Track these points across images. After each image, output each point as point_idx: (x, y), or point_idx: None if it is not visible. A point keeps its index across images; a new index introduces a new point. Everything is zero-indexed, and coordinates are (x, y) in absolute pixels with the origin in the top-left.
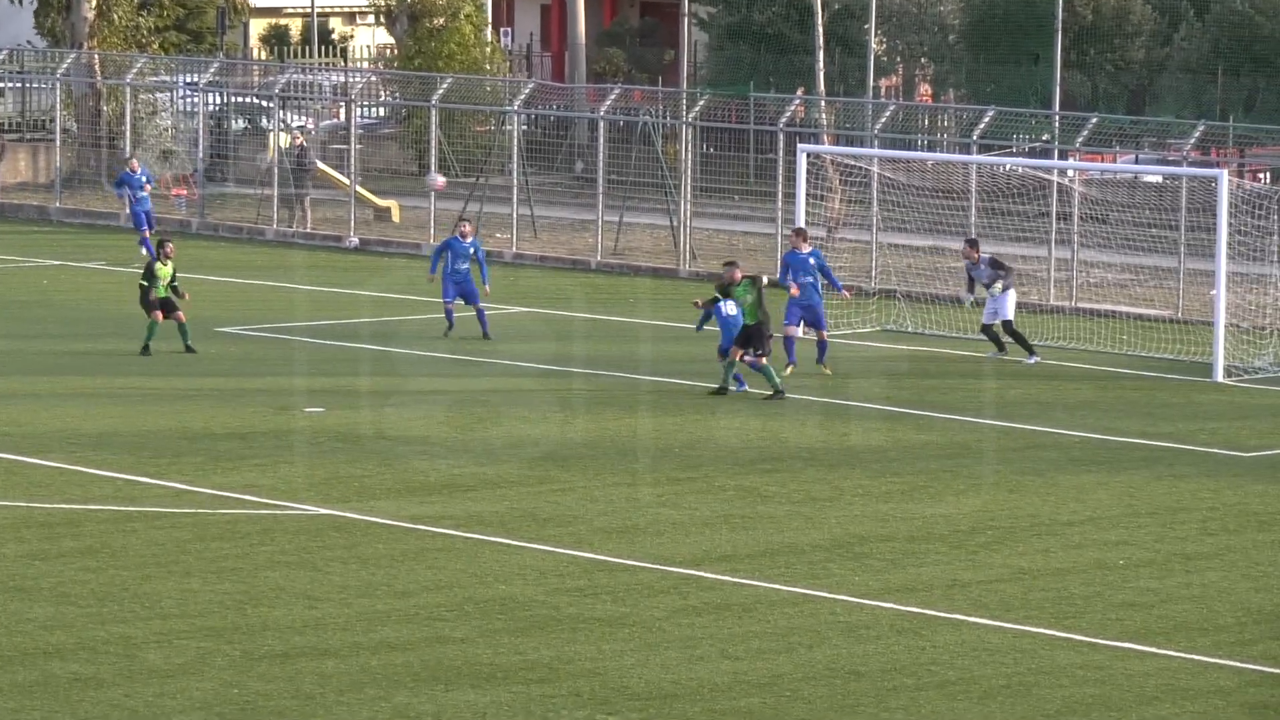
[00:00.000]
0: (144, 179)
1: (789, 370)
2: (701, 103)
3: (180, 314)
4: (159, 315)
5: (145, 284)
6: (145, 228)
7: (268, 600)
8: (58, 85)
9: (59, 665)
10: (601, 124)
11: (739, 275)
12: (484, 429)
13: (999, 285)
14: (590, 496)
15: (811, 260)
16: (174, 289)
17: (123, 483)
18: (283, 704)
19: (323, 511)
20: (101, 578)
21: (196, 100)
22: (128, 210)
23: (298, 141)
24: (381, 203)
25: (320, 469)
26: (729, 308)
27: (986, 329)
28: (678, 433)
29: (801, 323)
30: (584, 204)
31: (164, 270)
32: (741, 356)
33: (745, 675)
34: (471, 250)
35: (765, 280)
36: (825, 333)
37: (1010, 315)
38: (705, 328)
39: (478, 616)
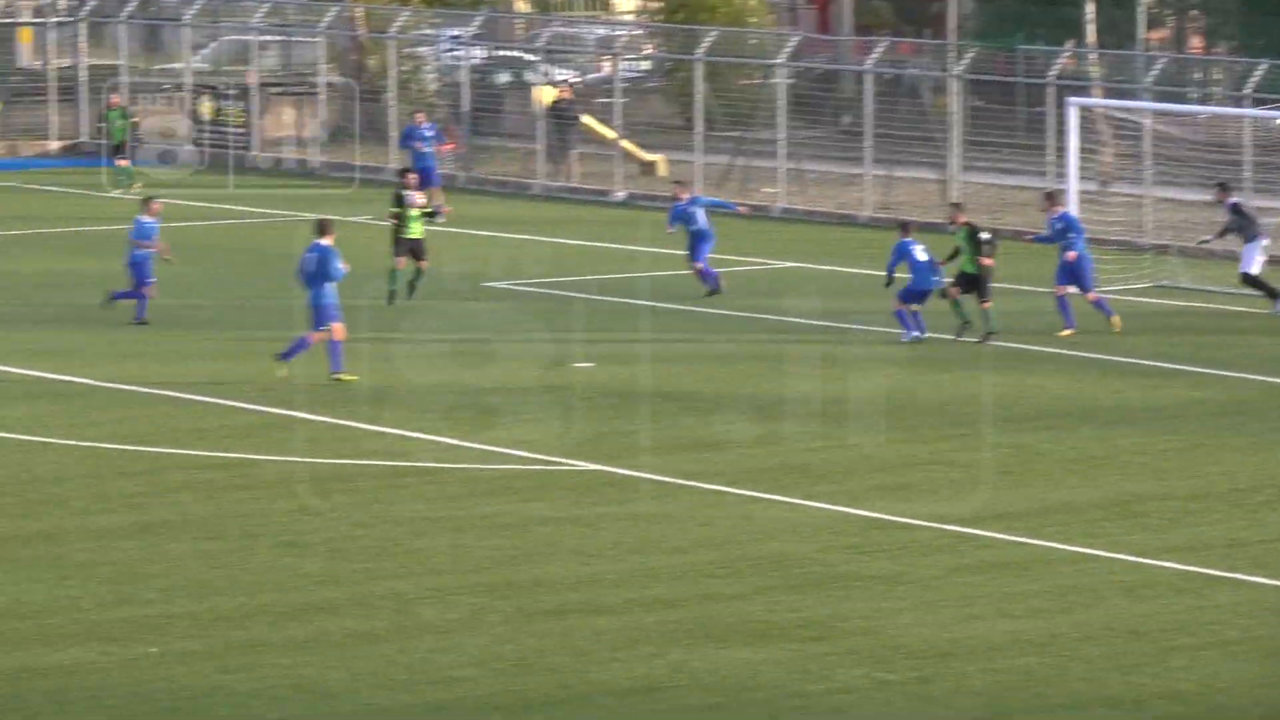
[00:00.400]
0: (427, 133)
1: (1066, 333)
2: (970, 55)
3: (425, 262)
4: (401, 263)
5: (396, 210)
6: (432, 185)
7: (541, 556)
8: (322, 39)
9: (332, 621)
10: (868, 77)
11: (963, 219)
12: (756, 384)
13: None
14: (864, 453)
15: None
16: (430, 215)
17: (394, 438)
18: (556, 660)
19: (595, 467)
20: (374, 533)
21: (460, 54)
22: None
23: (564, 95)
24: (647, 156)
25: (591, 425)
26: (920, 252)
27: (1246, 277)
28: (952, 389)
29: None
30: (851, 158)
31: (416, 198)
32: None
33: (1023, 634)
34: (699, 208)
35: (985, 236)
36: (1094, 292)
37: (1250, 267)
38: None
39: (751, 574)
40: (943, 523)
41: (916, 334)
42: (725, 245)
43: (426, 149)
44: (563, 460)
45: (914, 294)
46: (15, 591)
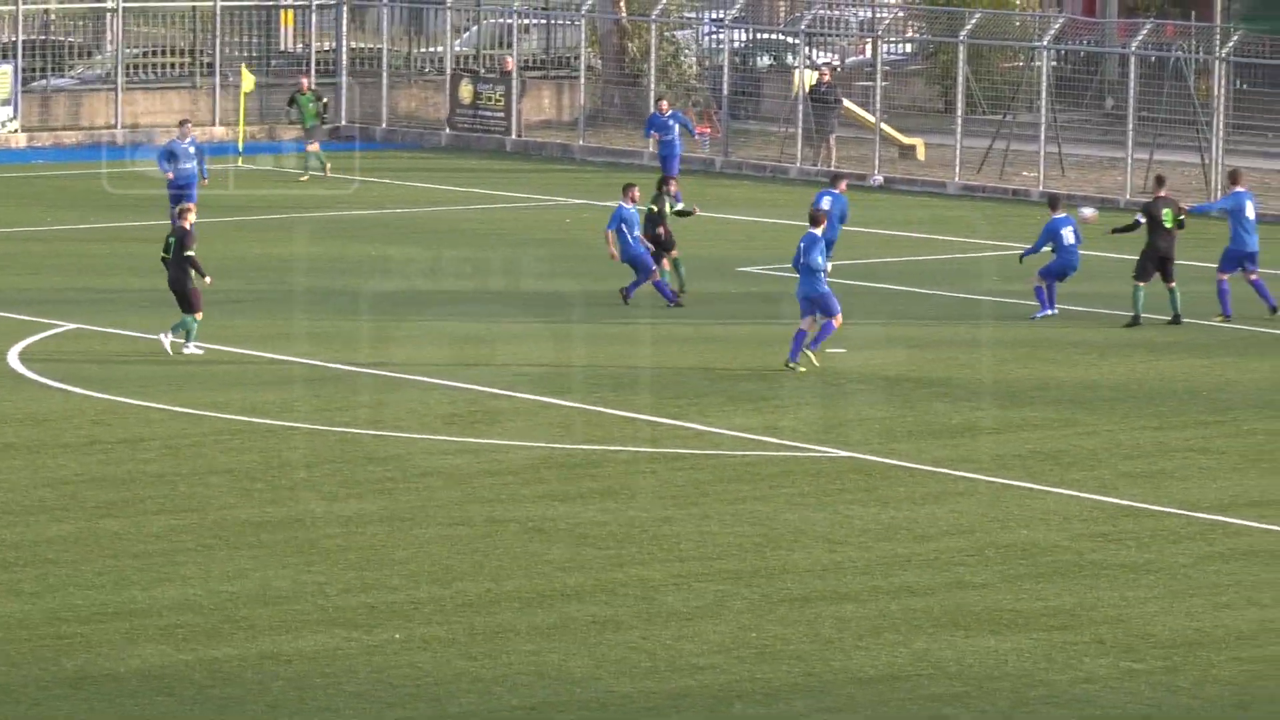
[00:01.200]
0: (670, 121)
1: (1217, 319)
2: (1235, 38)
3: (675, 251)
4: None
5: (654, 209)
6: (671, 173)
7: (786, 543)
8: (582, 22)
9: (577, 607)
10: (1133, 59)
11: (1163, 193)
12: (1006, 371)
13: None
14: (1115, 440)
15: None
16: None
17: (643, 423)
18: (801, 648)
19: (842, 454)
20: (620, 519)
21: (721, 37)
22: (655, 151)
23: (824, 78)
24: (906, 140)
25: (841, 411)
26: (1069, 234)
27: None
28: (1205, 374)
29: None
30: (1114, 141)
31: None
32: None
33: (1272, 623)
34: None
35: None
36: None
37: None
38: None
39: (999, 561)
40: (1193, 510)
41: (1050, 311)
42: (984, 229)
43: (667, 137)
44: (811, 447)
45: (1056, 272)
46: (261, 578)
